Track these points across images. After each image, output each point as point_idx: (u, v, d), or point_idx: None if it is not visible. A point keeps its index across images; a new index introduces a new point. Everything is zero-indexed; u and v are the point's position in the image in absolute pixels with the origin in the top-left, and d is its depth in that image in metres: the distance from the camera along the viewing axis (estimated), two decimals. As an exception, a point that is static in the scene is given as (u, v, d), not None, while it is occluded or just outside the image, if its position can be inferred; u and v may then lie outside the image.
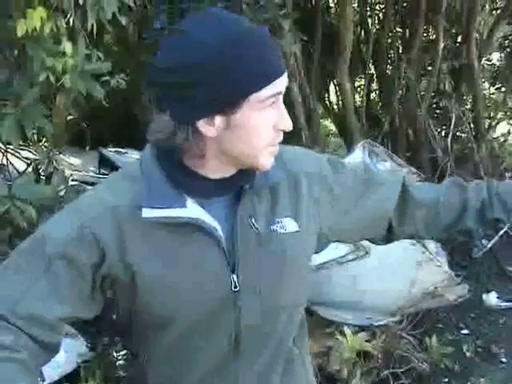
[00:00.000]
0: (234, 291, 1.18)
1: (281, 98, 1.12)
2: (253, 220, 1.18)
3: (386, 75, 5.36)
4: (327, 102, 5.96)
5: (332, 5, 5.43)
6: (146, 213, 1.12)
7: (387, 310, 3.16)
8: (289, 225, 1.23)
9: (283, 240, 1.22)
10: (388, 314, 3.15)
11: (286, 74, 1.12)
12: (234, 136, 1.10)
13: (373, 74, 5.54)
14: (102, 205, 1.15)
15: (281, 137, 1.15)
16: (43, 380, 2.42)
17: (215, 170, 1.16)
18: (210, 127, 1.09)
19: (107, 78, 2.50)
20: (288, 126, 1.13)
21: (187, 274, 1.15)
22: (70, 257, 1.12)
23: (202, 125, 1.08)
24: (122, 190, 1.17)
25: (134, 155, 4.90)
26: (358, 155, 3.40)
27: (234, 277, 1.17)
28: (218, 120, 1.08)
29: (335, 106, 5.87)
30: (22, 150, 2.91)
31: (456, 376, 3.22)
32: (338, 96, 5.58)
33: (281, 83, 1.10)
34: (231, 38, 1.05)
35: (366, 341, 2.97)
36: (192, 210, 1.14)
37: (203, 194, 1.16)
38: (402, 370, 3.04)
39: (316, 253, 1.35)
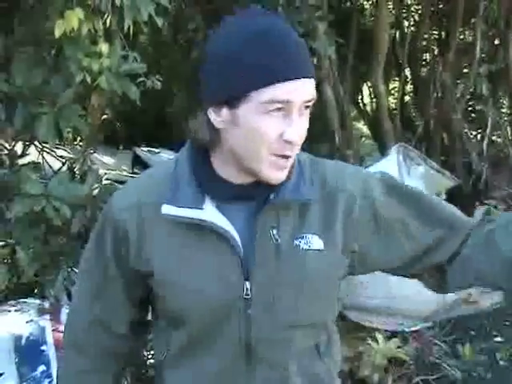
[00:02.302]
0: (246, 299, 1.17)
1: (294, 107, 1.08)
2: (274, 231, 1.17)
3: (421, 78, 5.31)
4: (361, 105, 5.93)
5: (367, 6, 5.40)
6: (166, 209, 1.15)
7: (420, 315, 3.11)
8: (314, 242, 1.19)
9: (305, 256, 1.19)
10: (420, 320, 3.10)
11: (304, 85, 1.08)
12: (239, 133, 1.11)
13: (407, 77, 5.49)
14: (129, 202, 1.21)
15: (291, 150, 1.11)
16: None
17: (233, 173, 1.17)
18: (217, 117, 1.13)
19: (143, 78, 2.51)
20: (291, 137, 1.09)
21: (198, 275, 1.17)
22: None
23: (211, 113, 1.13)
24: (149, 188, 1.21)
25: (166, 155, 4.94)
26: (392, 158, 3.36)
27: (247, 284, 1.17)
28: (225, 112, 1.11)
29: (369, 109, 5.84)
30: (57, 148, 2.93)
31: (489, 385, 3.17)
32: (371, 98, 5.55)
33: (290, 92, 1.07)
34: (248, 37, 1.08)
35: (398, 347, 2.94)
36: (207, 212, 1.15)
37: (222, 197, 1.17)
38: (434, 377, 3.00)
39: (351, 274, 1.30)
